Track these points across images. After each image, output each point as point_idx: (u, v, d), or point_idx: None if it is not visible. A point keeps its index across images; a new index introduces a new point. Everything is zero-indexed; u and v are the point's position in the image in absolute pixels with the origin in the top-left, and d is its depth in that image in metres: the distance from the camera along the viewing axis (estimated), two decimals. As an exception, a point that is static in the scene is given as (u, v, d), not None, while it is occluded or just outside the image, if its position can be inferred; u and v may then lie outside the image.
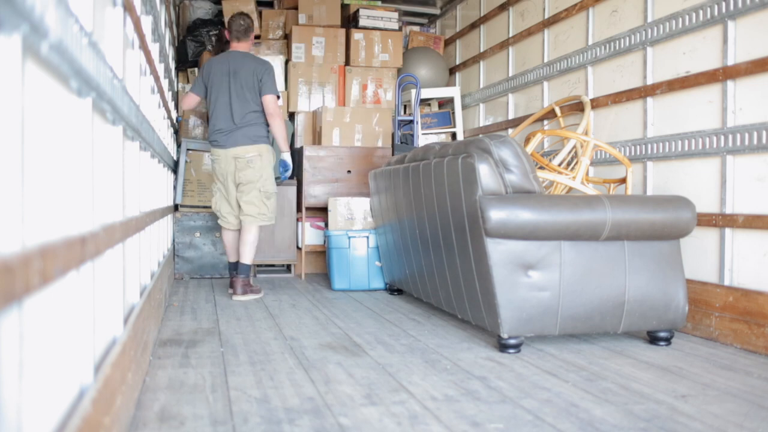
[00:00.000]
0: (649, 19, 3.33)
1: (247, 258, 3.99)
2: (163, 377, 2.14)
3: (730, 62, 2.82)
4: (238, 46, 4.09)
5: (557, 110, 4.04)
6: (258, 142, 3.96)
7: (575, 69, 3.99)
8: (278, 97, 3.99)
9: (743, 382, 2.17)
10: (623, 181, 3.32)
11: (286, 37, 5.72)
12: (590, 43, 3.84)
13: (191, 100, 4.13)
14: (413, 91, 5.28)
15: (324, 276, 5.08)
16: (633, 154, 3.38)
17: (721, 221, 2.82)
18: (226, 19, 5.56)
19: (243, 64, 3.96)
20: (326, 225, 4.83)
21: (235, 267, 4.09)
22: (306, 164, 4.91)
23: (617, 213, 2.57)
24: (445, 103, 5.92)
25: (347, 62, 5.63)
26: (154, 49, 3.01)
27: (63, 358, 1.12)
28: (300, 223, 5.02)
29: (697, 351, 2.63)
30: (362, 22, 5.61)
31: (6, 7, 0.75)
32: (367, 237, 4.32)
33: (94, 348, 1.36)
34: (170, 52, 4.69)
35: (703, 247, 2.93)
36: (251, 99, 3.94)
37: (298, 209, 5.03)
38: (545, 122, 4.29)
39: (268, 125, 4.02)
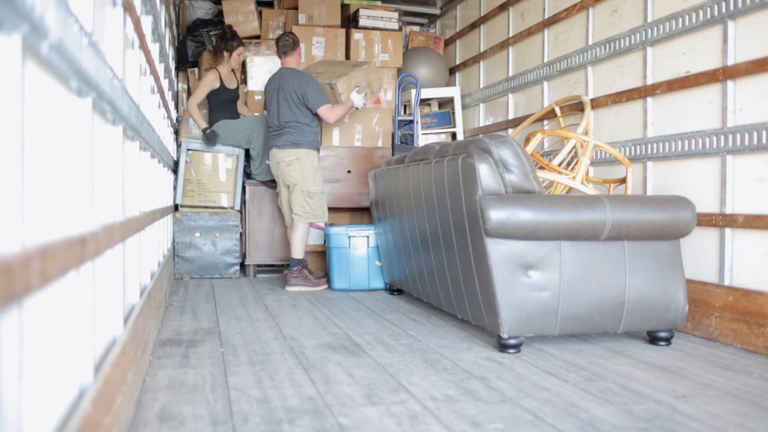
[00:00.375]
0: (649, 19, 3.33)
1: (296, 252, 4.38)
2: (163, 377, 2.14)
3: (730, 62, 2.82)
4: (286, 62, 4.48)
5: (557, 110, 4.04)
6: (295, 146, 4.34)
7: (575, 69, 3.99)
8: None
9: (743, 382, 2.17)
10: (623, 181, 3.32)
11: (286, 37, 5.71)
12: (590, 43, 3.84)
13: None
14: (413, 91, 5.27)
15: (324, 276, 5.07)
16: (633, 154, 3.38)
17: (721, 221, 2.82)
18: (226, 19, 5.58)
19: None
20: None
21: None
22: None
23: (617, 213, 2.57)
24: (445, 103, 5.92)
25: (347, 62, 5.62)
26: (154, 49, 3.01)
27: (63, 358, 1.12)
28: (300, 223, 5.02)
29: (697, 351, 2.63)
30: (362, 22, 5.61)
31: (6, 7, 0.75)
32: (367, 237, 4.32)
33: (94, 348, 1.36)
34: (170, 52, 4.69)
35: (703, 247, 2.93)
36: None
37: (298, 209, 5.03)
38: (545, 122, 4.29)
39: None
